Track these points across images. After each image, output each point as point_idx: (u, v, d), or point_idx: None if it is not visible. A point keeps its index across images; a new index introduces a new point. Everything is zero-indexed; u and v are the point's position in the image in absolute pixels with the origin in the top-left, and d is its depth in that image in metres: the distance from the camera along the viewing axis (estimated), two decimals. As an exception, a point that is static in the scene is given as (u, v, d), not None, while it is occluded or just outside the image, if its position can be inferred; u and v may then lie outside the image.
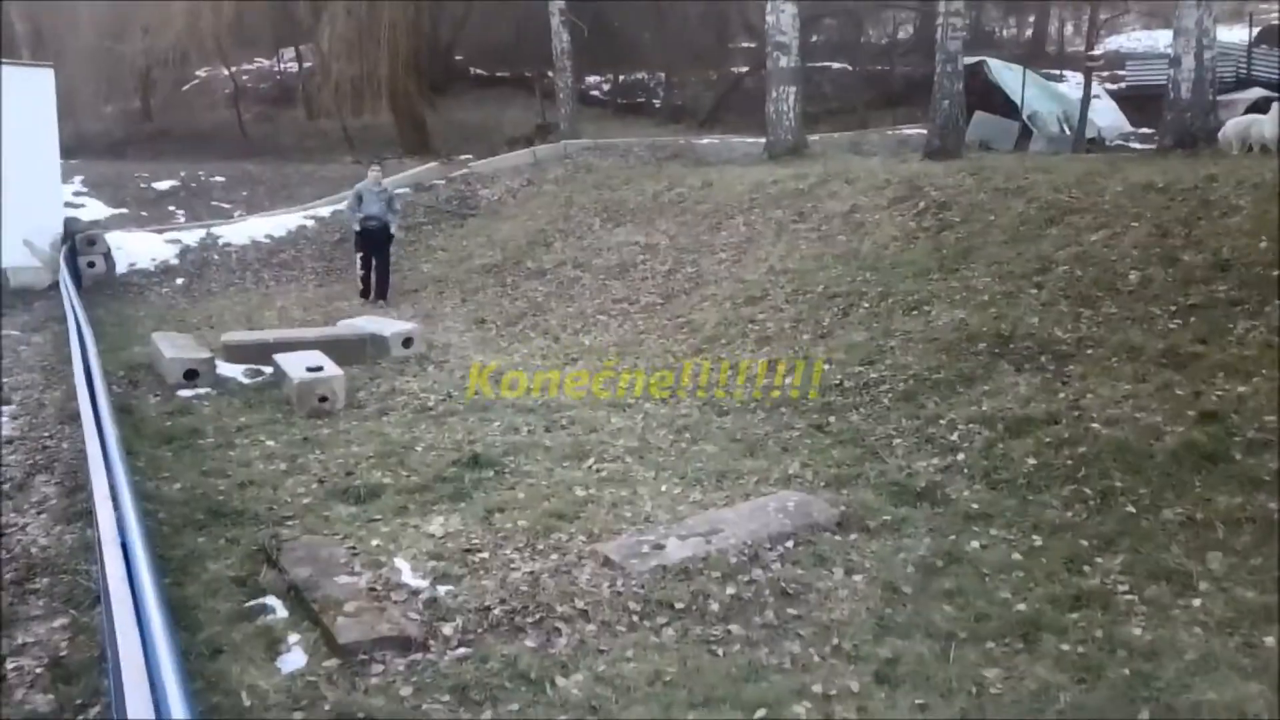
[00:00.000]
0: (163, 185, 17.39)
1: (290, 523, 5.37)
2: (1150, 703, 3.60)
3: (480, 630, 4.18)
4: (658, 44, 28.45)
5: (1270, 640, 3.91)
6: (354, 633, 4.10)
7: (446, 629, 4.18)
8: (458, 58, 31.44)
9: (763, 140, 16.34)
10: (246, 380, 8.41)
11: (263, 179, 18.35)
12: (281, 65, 31.50)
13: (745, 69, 27.78)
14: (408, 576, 4.63)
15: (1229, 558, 4.48)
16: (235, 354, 8.90)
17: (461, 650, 4.05)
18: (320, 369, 7.76)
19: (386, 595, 4.45)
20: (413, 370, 8.71)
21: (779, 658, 4.01)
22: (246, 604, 4.43)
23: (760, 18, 17.67)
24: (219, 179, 18.07)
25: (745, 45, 30.08)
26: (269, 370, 8.40)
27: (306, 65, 28.18)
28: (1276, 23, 32.13)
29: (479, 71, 31.52)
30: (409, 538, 5.08)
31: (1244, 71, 21.43)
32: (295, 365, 7.85)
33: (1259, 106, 15.68)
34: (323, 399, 7.55)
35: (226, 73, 28.33)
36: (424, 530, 5.16)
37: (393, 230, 12.40)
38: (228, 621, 4.26)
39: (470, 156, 19.74)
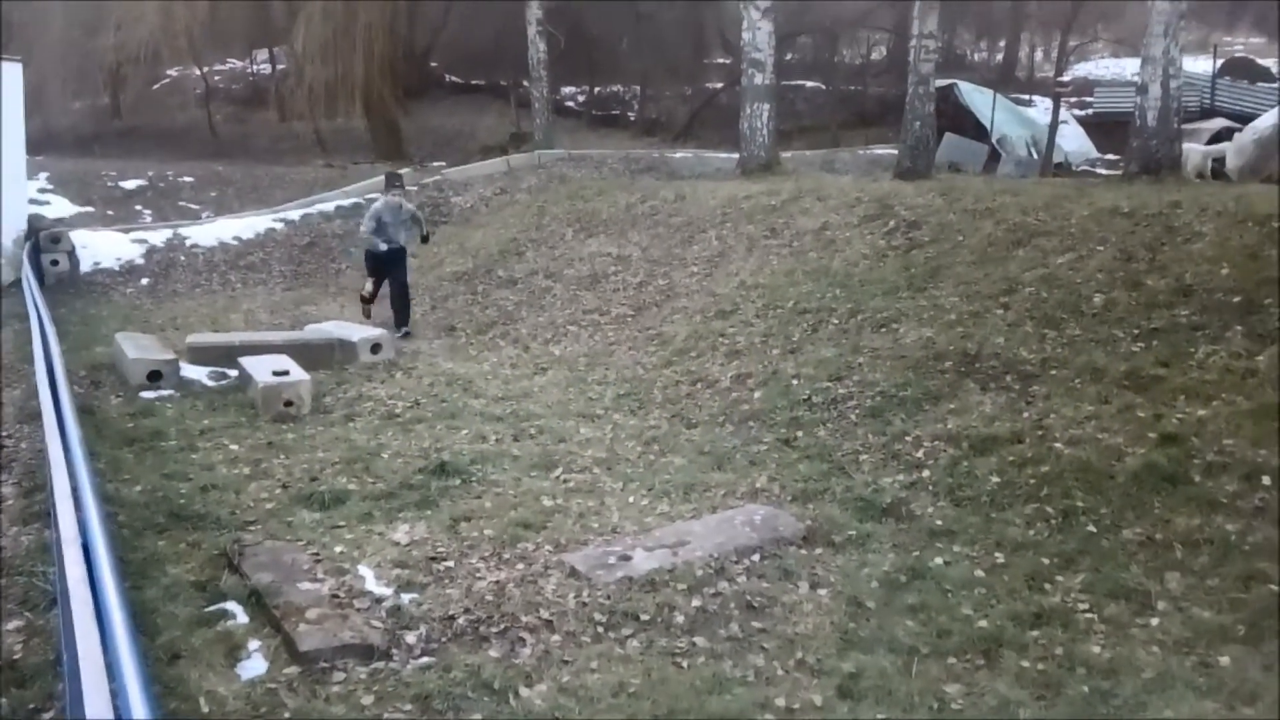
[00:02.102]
0: (130, 184, 17.19)
1: (253, 528, 5.31)
2: (1108, 720, 3.65)
3: (444, 639, 4.16)
4: (634, 57, 28.55)
5: (1225, 660, 3.97)
6: (316, 640, 4.07)
7: (410, 637, 4.15)
8: (433, 64, 31.36)
9: (736, 156, 16.42)
10: (211, 383, 8.33)
11: (232, 180, 18.19)
12: (254, 66, 31.27)
13: (720, 84, 27.95)
14: (371, 584, 4.59)
15: (1187, 578, 4.55)
16: (200, 356, 8.80)
17: (425, 659, 4.02)
18: (286, 373, 7.69)
19: (349, 603, 4.41)
20: (381, 377, 8.66)
21: (743, 670, 4.02)
22: (207, 609, 4.38)
23: (736, 34, 17.80)
24: (188, 179, 17.89)
25: (721, 61, 30.30)
26: (234, 373, 8.31)
27: (280, 67, 27.99)
28: (1240, 55, 32.83)
29: (454, 78, 31.47)
30: (373, 545, 5.04)
31: (1208, 101, 21.88)
32: (261, 369, 7.78)
33: (1221, 136, 16.02)
34: (288, 403, 7.48)
35: (198, 72, 28.07)
36: (389, 538, 5.12)
37: (411, 251, 11.46)
38: (187, 626, 4.21)
39: (443, 163, 19.70)
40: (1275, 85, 26.22)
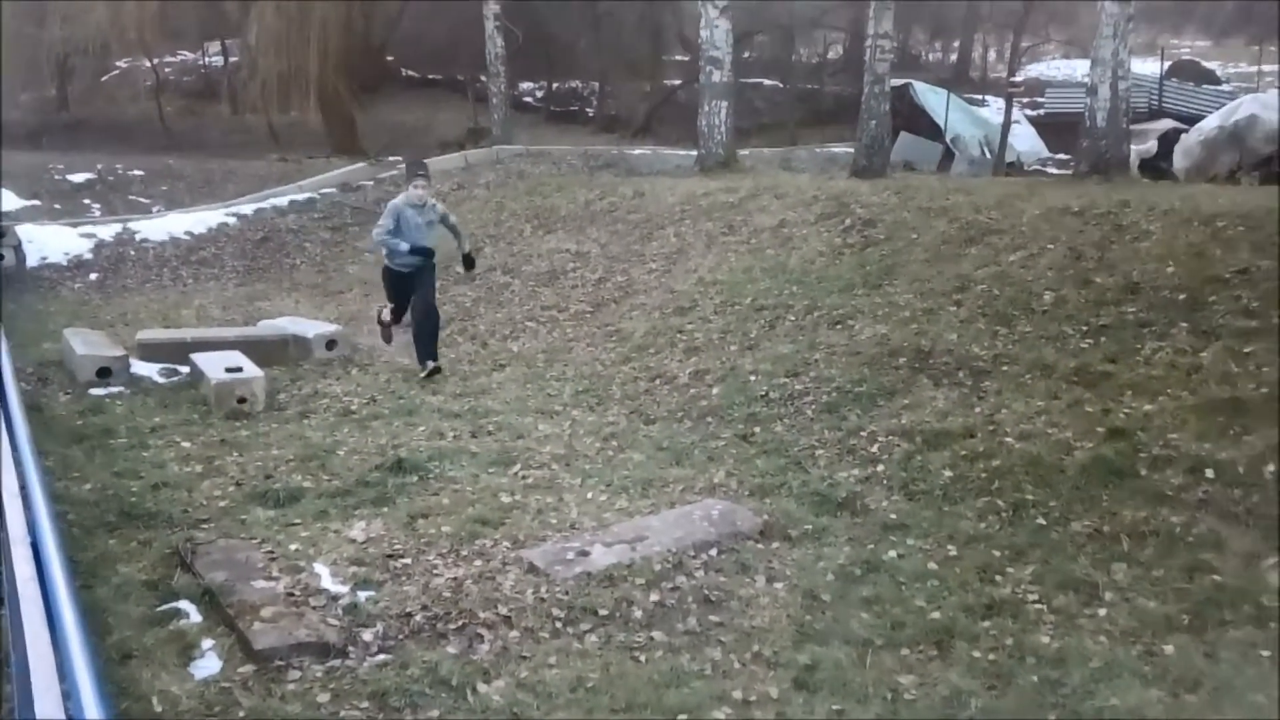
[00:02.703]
0: (79, 177, 16.84)
1: (206, 526, 5.25)
2: (1057, 708, 3.73)
3: (401, 636, 4.14)
4: (593, 53, 28.49)
5: (1170, 649, 4.07)
6: (271, 638, 4.03)
7: (366, 635, 4.13)
8: (390, 58, 31.06)
9: (694, 153, 16.47)
10: (162, 380, 8.20)
11: (184, 174, 17.89)
12: (206, 59, 30.76)
13: (679, 82, 27.98)
14: (327, 582, 4.56)
15: (1133, 569, 4.65)
16: (150, 352, 8.66)
17: (381, 656, 4.00)
18: (239, 369, 7.60)
19: (305, 600, 4.38)
20: (336, 373, 8.58)
21: (700, 664, 4.05)
22: (159, 608, 4.33)
23: (695, 32, 17.84)
24: (138, 173, 17.57)
25: (679, 58, 30.32)
26: (186, 370, 8.19)
27: (232, 60, 27.57)
28: (1187, 58, 33.54)
29: (411, 73, 31.20)
30: (329, 542, 5.00)
31: (1156, 103, 22.34)
32: (213, 365, 7.67)
33: (1169, 137, 16.38)
34: (241, 400, 7.39)
35: (149, 64, 27.55)
36: (345, 535, 5.09)
37: (466, 248, 8.98)
38: (139, 626, 4.15)
39: (400, 158, 19.50)
40: (1220, 88, 26.85)
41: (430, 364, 8.24)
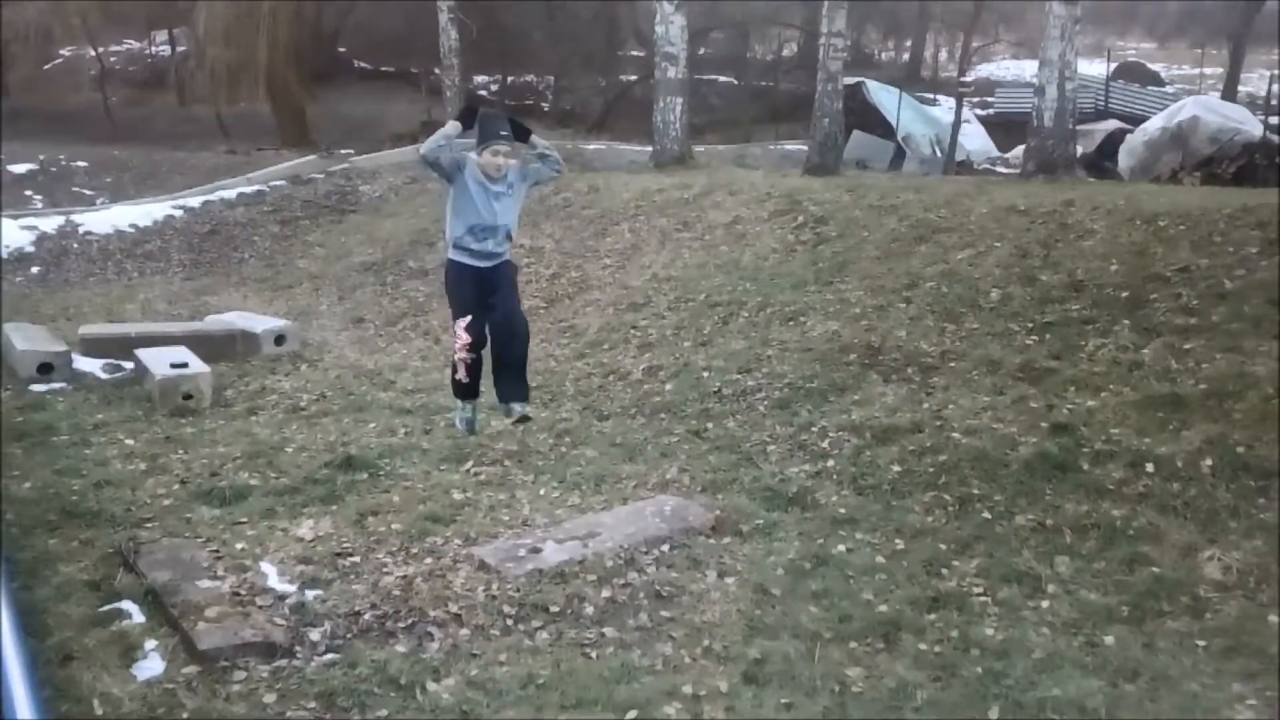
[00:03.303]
0: (19, 168, 16.43)
1: (150, 525, 5.16)
2: (1000, 700, 3.79)
3: (349, 635, 4.11)
4: (548, 47, 28.38)
5: (1110, 639, 4.16)
6: (215, 638, 3.98)
7: (314, 634, 4.09)
8: (341, 49, 30.71)
9: (649, 148, 16.49)
10: (105, 375, 8.04)
11: (129, 165, 17.54)
12: (153, 48, 30.17)
13: (634, 77, 28.01)
14: (274, 581, 4.50)
15: (1075, 561, 4.75)
16: (94, 348, 8.48)
17: (329, 656, 3.97)
18: (185, 365, 7.48)
19: (251, 600, 4.32)
20: (285, 369, 8.47)
21: (651, 659, 4.06)
22: (101, 609, 4.25)
23: (650, 27, 17.83)
24: (82, 164, 17.19)
25: (635, 54, 30.34)
26: (130, 366, 8.04)
27: (180, 49, 27.06)
28: (1132, 59, 34.22)
29: (364, 64, 30.87)
30: (276, 541, 4.94)
31: (1102, 104, 22.78)
32: (158, 361, 7.54)
33: (1114, 137, 16.70)
34: (187, 397, 7.27)
35: (93, 53, 26.95)
36: (292, 533, 5.03)
37: (557, 166, 5.72)
38: (80, 627, 4.08)
39: (352, 151, 19.29)
40: (1164, 90, 27.44)
41: (518, 407, 5.61)
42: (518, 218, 5.62)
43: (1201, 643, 4.10)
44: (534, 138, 5.70)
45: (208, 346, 8.30)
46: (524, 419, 5.78)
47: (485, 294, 5.46)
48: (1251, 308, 6.46)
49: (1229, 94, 26.85)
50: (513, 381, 5.64)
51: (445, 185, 5.52)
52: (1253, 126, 14.92)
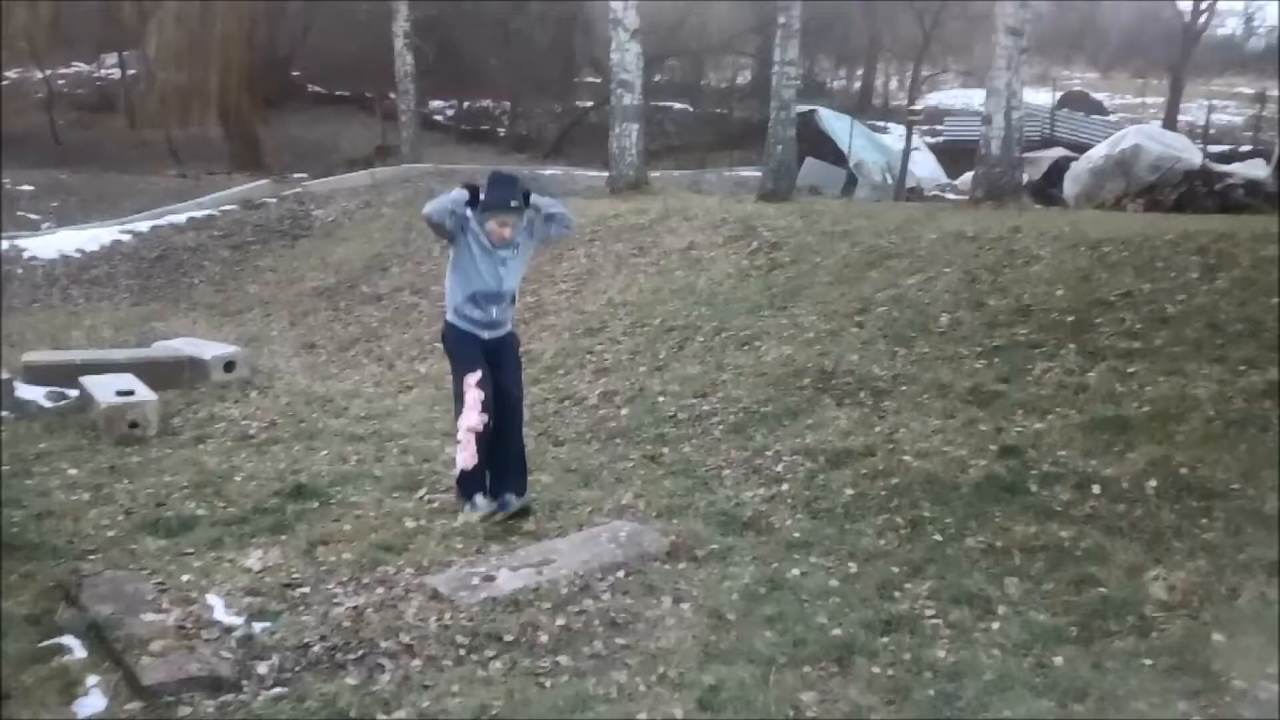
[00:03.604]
0: (-40, 191, 16.11)
1: (93, 557, 5.03)
2: (952, 722, 3.81)
3: (298, 668, 4.03)
4: (504, 73, 28.47)
5: (1059, 660, 4.21)
6: (160, 673, 3.88)
7: (261, 668, 4.00)
8: (295, 73, 30.54)
9: (606, 174, 16.56)
10: (49, 403, 7.87)
11: (76, 189, 17.28)
12: (102, 70, 29.78)
13: (590, 103, 28.17)
14: (221, 613, 4.41)
15: (1024, 583, 4.80)
16: (37, 375, 8.29)
17: (277, 689, 3.89)
18: (131, 393, 7.34)
19: (197, 633, 4.22)
20: (234, 396, 8.34)
21: (606, 688, 4.03)
22: (40, 644, 4.13)
23: (606, 54, 17.96)
24: (27, 187, 16.90)
25: (591, 80, 30.53)
26: (74, 393, 7.88)
27: (130, 72, 26.74)
28: (1077, 89, 35.10)
29: (317, 89, 30.72)
30: (223, 572, 4.84)
31: (1048, 132, 23.30)
32: (103, 388, 7.40)
33: (1059, 165, 17.08)
34: (133, 425, 7.14)
35: (40, 75, 26.54)
36: (240, 564, 4.93)
37: (568, 224, 5.56)
38: (18, 663, 3.96)
39: (305, 175, 19.17)
40: (1108, 118, 28.16)
41: (514, 499, 5.34)
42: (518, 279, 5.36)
43: (1148, 661, 4.15)
44: (535, 198, 5.33)
45: (155, 374, 8.15)
46: (525, 511, 5.43)
47: (488, 358, 5.19)
48: (1193, 331, 6.63)
49: (1169, 123, 27.68)
50: (514, 471, 5.43)
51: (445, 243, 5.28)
52: (1192, 155, 15.36)
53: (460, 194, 5.16)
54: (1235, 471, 5.34)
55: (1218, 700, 3.88)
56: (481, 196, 5.21)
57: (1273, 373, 5.99)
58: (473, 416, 4.94)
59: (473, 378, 5.03)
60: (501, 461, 5.35)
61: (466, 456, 5.06)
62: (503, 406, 5.18)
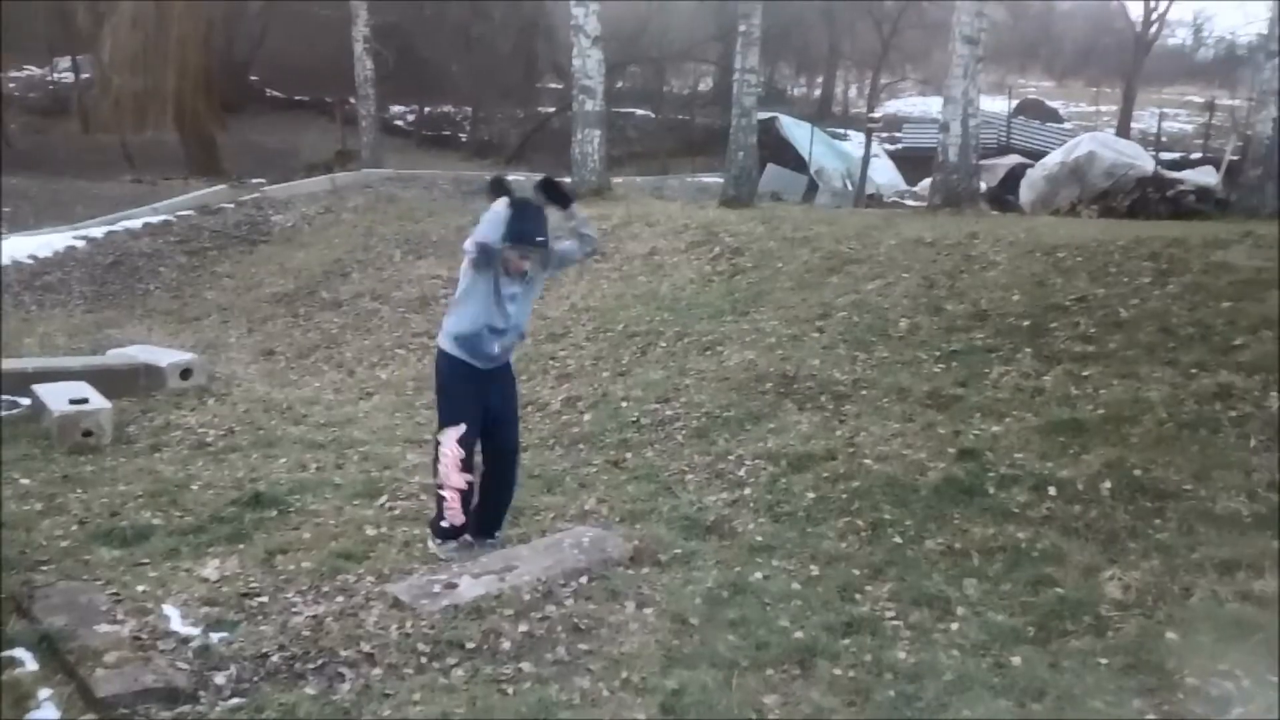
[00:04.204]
0: (-93, 196, 15.76)
1: (45, 568, 4.93)
2: (912, 722, 3.85)
3: (256, 679, 3.98)
4: (466, 78, 28.37)
5: (1017, 660, 4.26)
6: (114, 685, 3.82)
7: (219, 678, 3.95)
8: (254, 77, 30.23)
9: (568, 180, 16.57)
10: (0, 412, 7.70)
11: (29, 194, 16.97)
12: (55, 74, 29.28)
13: (553, 109, 28.15)
14: (177, 624, 4.34)
15: (983, 584, 4.86)
16: (-13, 383, 8.12)
17: (235, 700, 3.83)
18: (85, 401, 7.22)
19: (153, 644, 4.16)
20: (191, 403, 8.23)
21: (569, 694, 4.02)
22: (-11, 658, 4.04)
23: (568, 60, 17.96)
24: (-24, 192, 16.56)
25: (553, 86, 30.51)
26: (26, 402, 7.72)
27: (84, 76, 26.31)
28: (1032, 97, 35.63)
29: (276, 93, 30.44)
30: (180, 582, 4.77)
31: (1004, 139, 23.64)
32: (57, 396, 7.26)
33: (1015, 172, 17.35)
34: (87, 433, 7.01)
35: (-10, 78, 26.05)
36: (197, 574, 4.87)
37: (591, 247, 5.29)
38: (-35, 679, 3.87)
39: (263, 180, 18.95)
40: (1063, 126, 28.63)
41: (490, 541, 5.22)
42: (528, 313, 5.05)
43: (1104, 660, 4.22)
44: (575, 207, 4.94)
45: (109, 381, 8.01)
46: (492, 546, 5.24)
47: (483, 398, 4.87)
48: (1145, 335, 6.76)
49: (1123, 130, 28.20)
50: (498, 516, 5.27)
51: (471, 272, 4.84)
52: (1145, 162, 15.68)
53: (504, 205, 4.64)
54: (1187, 472, 5.45)
55: (1171, 698, 3.96)
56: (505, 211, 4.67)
57: (1223, 375, 6.12)
58: (455, 477, 4.74)
59: (454, 432, 4.74)
60: (494, 506, 5.24)
61: (453, 514, 4.87)
62: (501, 465, 5.06)
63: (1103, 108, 35.50)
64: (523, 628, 4.45)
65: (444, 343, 4.94)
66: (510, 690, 4.02)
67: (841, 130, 25.38)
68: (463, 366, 4.89)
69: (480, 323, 4.84)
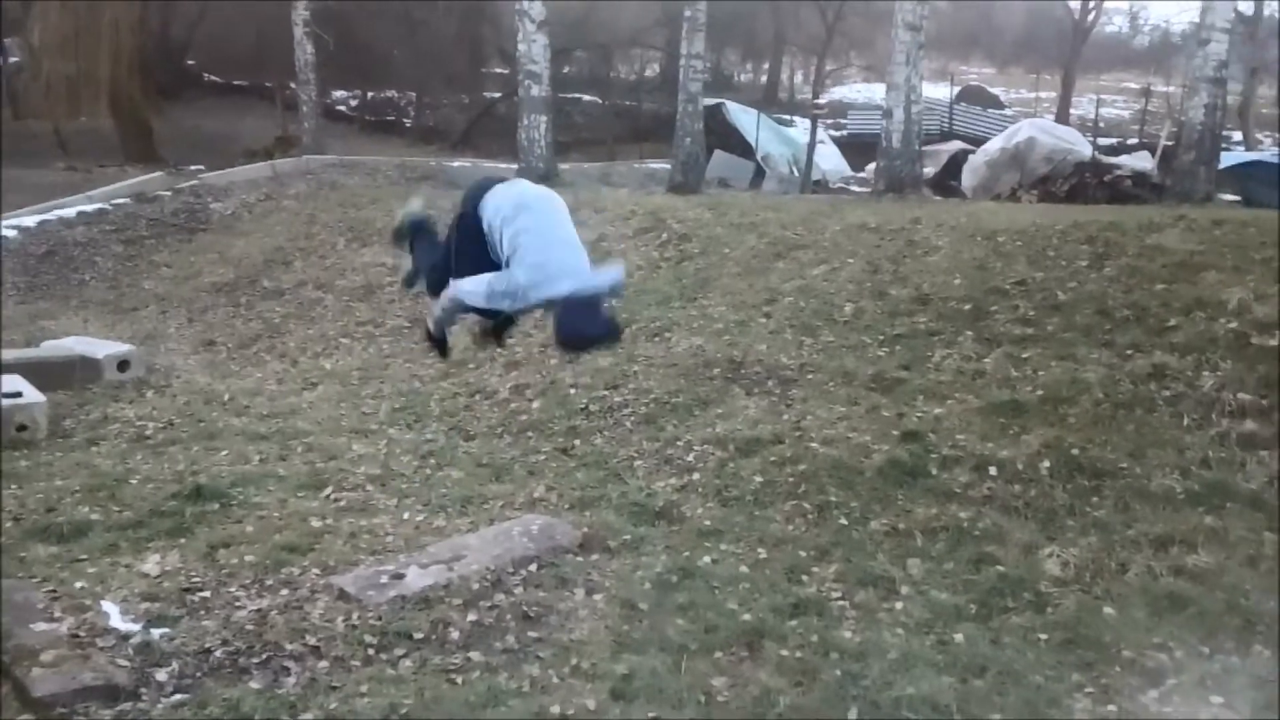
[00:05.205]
0: None
1: (-23, 567, 4.81)
2: (858, 701, 3.90)
3: (199, 674, 3.92)
4: (409, 63, 27.98)
5: (960, 637, 4.35)
6: (52, 684, 3.74)
7: (161, 675, 3.88)
8: (191, 61, 29.55)
9: (515, 166, 16.45)
10: (-73, 408, 7.47)
11: (-45, 182, 16.40)
12: (-19, 58, 28.33)
13: (498, 95, 27.89)
14: (117, 620, 4.26)
15: (926, 563, 4.95)
16: (-87, 378, 7.88)
17: (178, 696, 3.77)
18: (19, 395, 7.03)
19: (91, 641, 4.08)
20: (129, 396, 8.05)
21: (519, 681, 4.02)
22: (-81, 660, 3.93)
23: (513, 45, 17.82)
24: (-101, 180, 15.98)
25: (499, 71, 30.23)
26: (-44, 396, 7.50)
27: (13, 60, 25.49)
28: (974, 83, 36.11)
29: (214, 78, 29.79)
30: (119, 578, 4.68)
31: (947, 126, 23.93)
32: (-12, 391, 7.06)
33: (957, 158, 17.59)
34: (21, 428, 6.83)
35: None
36: (137, 570, 4.77)
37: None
38: (-106, 682, 3.76)
39: (202, 167, 18.52)
40: (1004, 112, 29.06)
41: None
42: None
43: (1043, 636, 4.32)
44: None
45: (44, 374, 7.80)
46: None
47: None
48: (1082, 317, 6.91)
49: (1062, 117, 28.73)
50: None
51: None
52: (1083, 147, 15.99)
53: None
54: (1123, 451, 5.60)
55: (1109, 671, 4.07)
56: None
57: (1158, 356, 6.28)
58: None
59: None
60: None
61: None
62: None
63: (1042, 94, 36.09)
64: (472, 617, 4.44)
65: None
66: (459, 680, 4.01)
67: (787, 117, 25.50)
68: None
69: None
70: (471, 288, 3.76)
